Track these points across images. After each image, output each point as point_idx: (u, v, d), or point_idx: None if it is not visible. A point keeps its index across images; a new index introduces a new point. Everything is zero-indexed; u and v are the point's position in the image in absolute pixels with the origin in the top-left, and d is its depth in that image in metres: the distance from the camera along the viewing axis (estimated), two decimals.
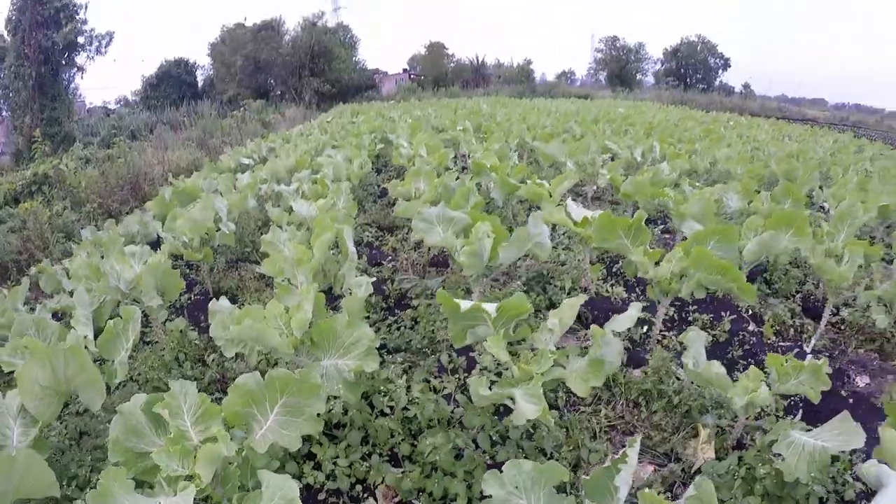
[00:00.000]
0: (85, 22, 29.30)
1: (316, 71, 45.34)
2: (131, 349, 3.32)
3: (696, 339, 3.43)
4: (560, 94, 45.24)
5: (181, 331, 4.57)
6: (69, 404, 3.83)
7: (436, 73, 58.24)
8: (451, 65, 65.05)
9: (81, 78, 31.52)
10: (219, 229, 6.18)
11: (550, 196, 5.82)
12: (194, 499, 2.14)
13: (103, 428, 3.53)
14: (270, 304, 3.19)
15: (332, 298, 4.57)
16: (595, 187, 8.37)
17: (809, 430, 3.03)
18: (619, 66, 60.02)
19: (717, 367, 3.29)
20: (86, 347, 3.29)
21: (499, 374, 3.82)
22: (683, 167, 8.45)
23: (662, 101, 45.37)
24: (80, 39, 29.58)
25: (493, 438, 3.24)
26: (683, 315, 5.24)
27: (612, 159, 9.21)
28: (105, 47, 30.68)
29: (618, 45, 61.17)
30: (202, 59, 54.13)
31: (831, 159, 13.43)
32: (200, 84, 54.42)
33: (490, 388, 2.53)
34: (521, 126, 12.30)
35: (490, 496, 1.97)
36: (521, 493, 2.01)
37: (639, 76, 63.28)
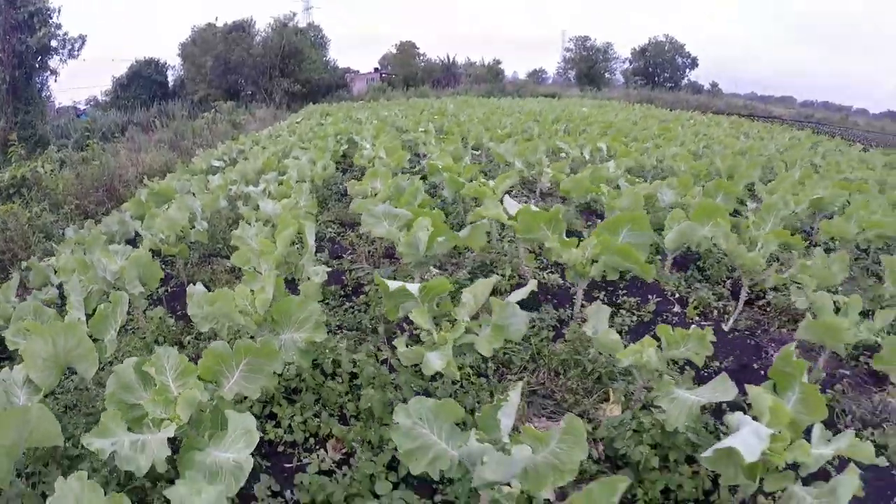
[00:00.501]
0: (59, 26, 29.86)
1: (286, 71, 45.62)
2: (118, 330, 3.93)
3: (598, 311, 4.06)
4: (528, 93, 46.03)
5: (160, 317, 5.18)
6: (63, 380, 4.40)
7: (406, 72, 58.76)
8: (423, 64, 65.60)
9: (55, 81, 31.52)
10: (193, 227, 6.82)
11: (494, 193, 6.50)
12: (175, 436, 2.77)
13: (94, 397, 4.14)
14: (238, 288, 3.82)
15: (294, 286, 5.18)
16: (548, 184, 9.05)
17: (691, 389, 3.66)
18: (588, 66, 61.08)
19: (613, 335, 3.93)
20: None
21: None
22: (629, 164, 9.14)
23: (630, 100, 46.42)
24: (53, 43, 30.00)
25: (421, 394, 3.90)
26: (613, 299, 5.88)
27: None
28: (78, 50, 31.47)
29: (587, 44, 62.26)
30: (173, 60, 53.85)
31: (781, 155, 14.10)
32: (171, 84, 54.35)
33: (406, 346, 3.18)
34: (479, 127, 12.93)
35: (398, 423, 2.61)
36: (423, 423, 2.66)
37: (607, 75, 64.26)
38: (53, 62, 30.72)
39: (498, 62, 57.20)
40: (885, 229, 6.52)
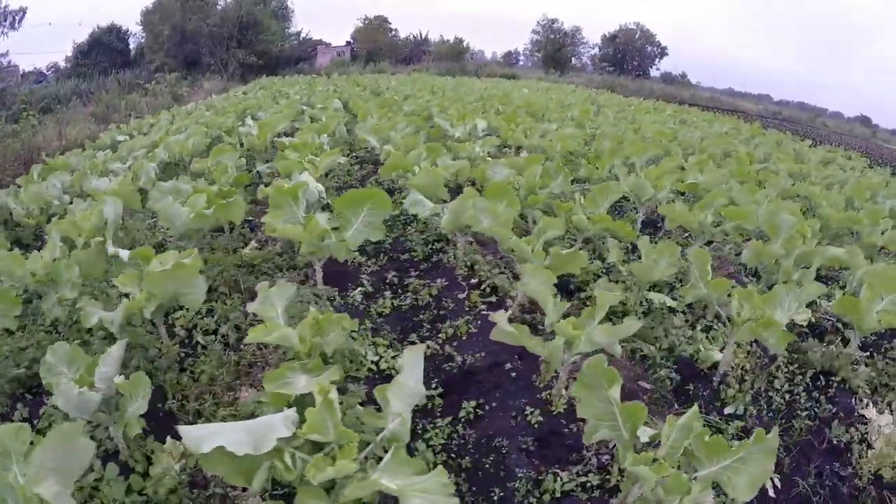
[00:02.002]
0: None
1: (243, 42, 44.64)
2: None
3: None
4: (487, 73, 45.53)
5: None
6: None
7: (370, 47, 57.87)
8: (393, 40, 64.65)
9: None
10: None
11: (315, 169, 6.36)
12: None
13: None
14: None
15: None
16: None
17: None
18: (555, 49, 60.63)
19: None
20: None
21: None
22: (495, 143, 8.89)
23: (593, 86, 46.17)
24: None
25: None
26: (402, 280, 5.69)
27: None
28: (18, 23, 31.59)
29: (554, 27, 61.76)
30: (137, 27, 52.34)
31: (700, 144, 13.48)
32: (133, 52, 52.87)
33: None
34: (380, 107, 12.62)
35: None
36: None
37: (574, 60, 63.99)
38: None
39: (461, 41, 56.53)
40: (744, 221, 5.88)
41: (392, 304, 4.89)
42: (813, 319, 4.88)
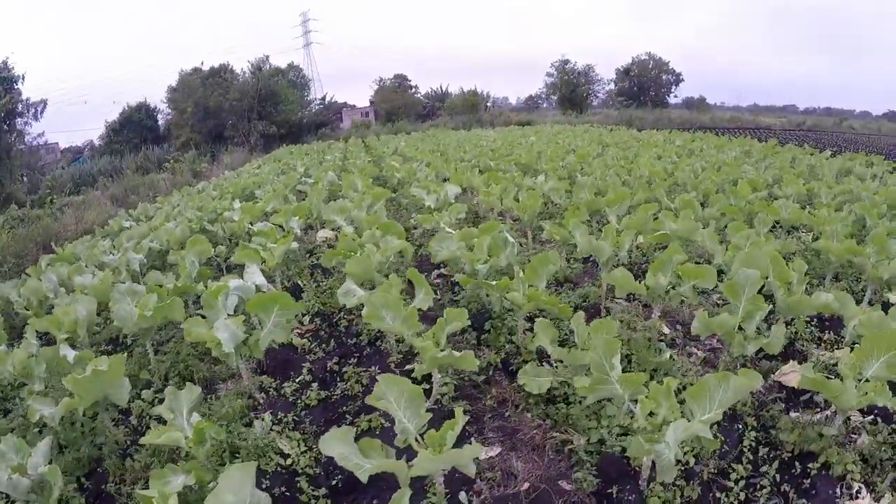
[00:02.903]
0: (20, 93, 31.89)
1: (263, 114, 46.09)
2: None
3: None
4: (502, 122, 45.80)
5: None
6: None
7: (388, 106, 59.05)
8: (416, 96, 65.97)
9: (23, 144, 33.33)
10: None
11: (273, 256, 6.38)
12: None
13: None
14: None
15: None
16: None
17: None
18: (570, 90, 60.82)
19: None
20: None
21: None
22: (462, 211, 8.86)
23: (610, 122, 45.98)
24: (18, 107, 31.58)
25: None
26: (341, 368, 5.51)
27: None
28: (41, 113, 33.67)
29: (567, 68, 62.05)
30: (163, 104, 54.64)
31: (694, 180, 12.88)
32: (162, 129, 54.95)
33: None
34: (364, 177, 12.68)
35: None
36: None
37: (591, 98, 64.01)
38: (19, 124, 32.58)
39: (475, 92, 57.15)
40: (701, 280, 5.02)
41: (321, 394, 4.75)
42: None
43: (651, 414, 3.13)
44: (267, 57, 49.89)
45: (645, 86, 66.04)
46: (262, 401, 4.63)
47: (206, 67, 49.47)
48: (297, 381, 4.95)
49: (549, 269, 4.88)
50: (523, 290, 4.73)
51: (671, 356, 4.71)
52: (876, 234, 6.38)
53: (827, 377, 3.59)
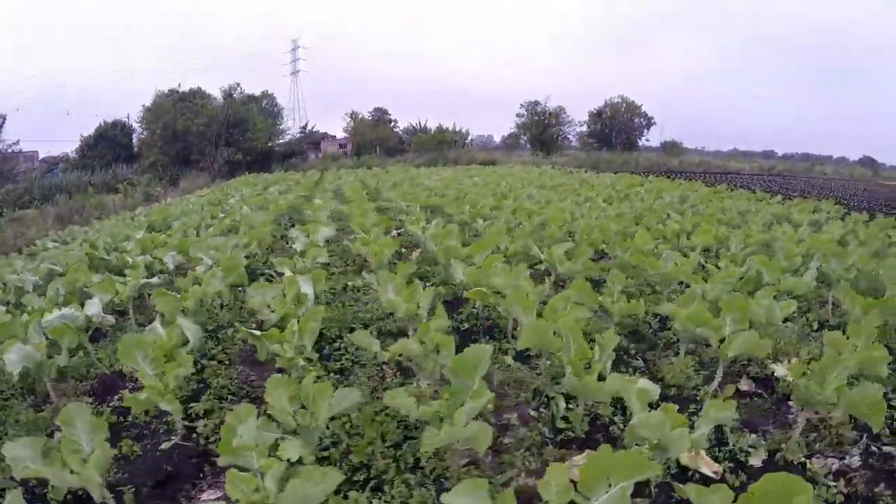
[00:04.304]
0: None
1: (230, 140, 46.35)
2: None
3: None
4: (467, 160, 46.21)
5: None
6: None
7: (362, 140, 59.53)
8: (393, 131, 66.38)
9: None
10: None
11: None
12: None
13: None
14: None
15: None
16: None
17: None
18: (540, 130, 61.64)
19: None
20: None
21: None
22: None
23: (576, 164, 46.52)
24: None
25: None
26: None
27: None
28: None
29: (538, 109, 62.93)
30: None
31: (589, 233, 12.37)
32: (136, 148, 54.63)
33: None
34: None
35: None
36: None
37: (561, 140, 64.70)
38: None
39: (442, 130, 57.73)
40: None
41: None
42: None
43: None
44: (238, 84, 50.42)
45: (615, 129, 66.93)
46: None
47: (185, 89, 50.11)
48: None
49: (311, 326, 5.03)
50: (295, 343, 4.92)
51: None
52: (731, 299, 5.09)
53: None
